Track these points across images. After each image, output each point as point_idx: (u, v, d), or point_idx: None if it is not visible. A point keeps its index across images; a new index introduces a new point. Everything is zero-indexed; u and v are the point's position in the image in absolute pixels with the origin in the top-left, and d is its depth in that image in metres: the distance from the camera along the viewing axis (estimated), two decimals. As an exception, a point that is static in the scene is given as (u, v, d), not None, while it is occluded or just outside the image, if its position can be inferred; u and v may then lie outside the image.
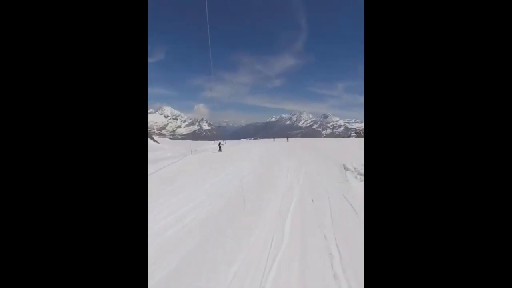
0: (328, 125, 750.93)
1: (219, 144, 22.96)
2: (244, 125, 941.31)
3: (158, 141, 56.48)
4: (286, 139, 44.31)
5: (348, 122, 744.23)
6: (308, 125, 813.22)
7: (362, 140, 29.46)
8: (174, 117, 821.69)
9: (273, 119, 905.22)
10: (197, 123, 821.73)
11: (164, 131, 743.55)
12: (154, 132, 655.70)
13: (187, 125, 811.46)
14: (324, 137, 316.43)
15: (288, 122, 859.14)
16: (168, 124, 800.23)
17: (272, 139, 47.36)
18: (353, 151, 15.20)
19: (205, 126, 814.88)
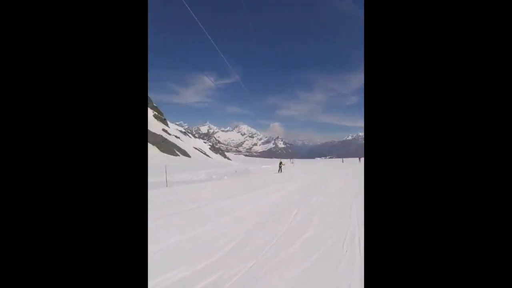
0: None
1: (280, 164, 22.10)
2: (319, 143, 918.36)
3: (230, 158, 59.48)
4: (358, 159, 40.80)
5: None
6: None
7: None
8: (250, 135, 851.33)
9: (350, 137, 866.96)
10: (273, 141, 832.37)
11: (240, 148, 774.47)
12: (231, 149, 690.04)
13: (263, 143, 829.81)
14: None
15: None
16: (244, 141, 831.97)
17: (341, 160, 45.03)
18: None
19: (280, 144, 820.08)
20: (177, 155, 27.01)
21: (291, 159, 54.00)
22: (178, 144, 31.69)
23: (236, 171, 20.47)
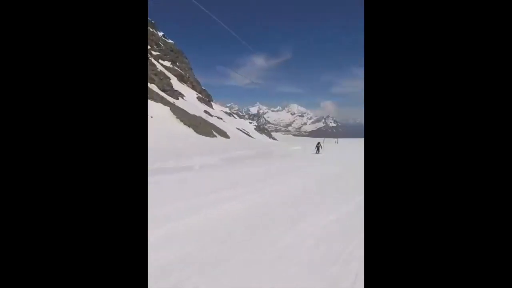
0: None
1: (317, 145, 20.47)
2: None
3: (277, 138, 58.96)
4: None
5: None
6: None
7: None
8: (300, 114, 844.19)
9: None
10: (323, 120, 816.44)
11: (290, 128, 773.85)
12: (280, 129, 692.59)
13: (313, 122, 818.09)
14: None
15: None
16: (294, 121, 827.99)
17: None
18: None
19: (331, 123, 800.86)
20: (214, 136, 26.88)
21: (336, 139, 52.16)
22: (218, 125, 31.68)
23: (257, 153, 18.22)
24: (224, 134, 30.21)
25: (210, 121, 31.97)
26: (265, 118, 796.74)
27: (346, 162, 14.02)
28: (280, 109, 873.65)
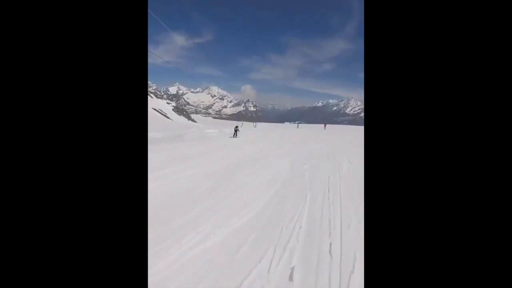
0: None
1: (235, 128, 20.66)
2: (289, 108, 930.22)
3: (196, 120, 57.87)
4: (323, 126, 42.01)
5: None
6: (355, 112, 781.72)
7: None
8: (220, 97, 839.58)
9: (320, 104, 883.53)
10: (243, 104, 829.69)
11: (210, 111, 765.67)
12: (200, 111, 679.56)
13: (233, 106, 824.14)
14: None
15: (335, 108, 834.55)
16: (214, 103, 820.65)
17: (296, 125, 45.53)
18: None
19: (251, 108, 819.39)
20: (127, 116, 25.09)
21: (255, 123, 53.95)
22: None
23: (162, 137, 16.63)
24: (138, 114, 28.28)
25: (123, 100, 29.44)
26: (184, 99, 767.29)
27: (262, 143, 14.79)
28: (200, 90, 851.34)
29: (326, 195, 5.14)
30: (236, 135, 19.42)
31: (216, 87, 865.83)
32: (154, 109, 39.11)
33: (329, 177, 6.62)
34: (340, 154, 10.80)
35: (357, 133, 29.50)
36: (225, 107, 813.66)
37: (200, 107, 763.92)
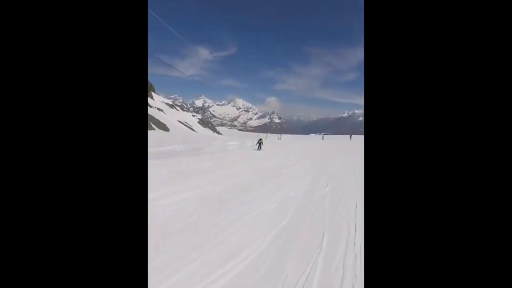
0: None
1: (259, 141, 19.94)
2: (315, 119, 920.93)
3: (221, 132, 58.18)
4: (349, 137, 40.71)
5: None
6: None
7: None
8: (245, 109, 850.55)
9: (345, 114, 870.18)
10: (268, 116, 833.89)
11: (235, 123, 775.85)
12: (226, 123, 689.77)
13: (258, 118, 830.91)
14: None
15: (361, 118, 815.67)
16: (239, 116, 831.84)
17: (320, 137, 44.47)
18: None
19: (276, 119, 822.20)
20: (152, 128, 25.40)
21: (279, 135, 53.43)
22: (157, 117, 29.92)
23: (181, 150, 16.25)
24: (163, 127, 28.62)
25: (148, 113, 30.05)
26: (210, 112, 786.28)
27: (288, 156, 13.97)
28: (226, 103, 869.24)
29: (352, 238, 3.55)
30: (260, 148, 18.70)
31: (241, 100, 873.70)
32: (180, 122, 39.58)
33: (356, 205, 5.06)
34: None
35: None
36: (251, 119, 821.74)
37: (225, 120, 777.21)
